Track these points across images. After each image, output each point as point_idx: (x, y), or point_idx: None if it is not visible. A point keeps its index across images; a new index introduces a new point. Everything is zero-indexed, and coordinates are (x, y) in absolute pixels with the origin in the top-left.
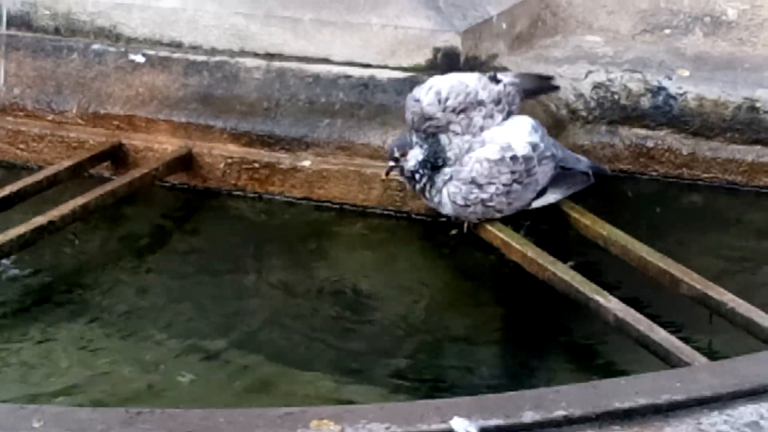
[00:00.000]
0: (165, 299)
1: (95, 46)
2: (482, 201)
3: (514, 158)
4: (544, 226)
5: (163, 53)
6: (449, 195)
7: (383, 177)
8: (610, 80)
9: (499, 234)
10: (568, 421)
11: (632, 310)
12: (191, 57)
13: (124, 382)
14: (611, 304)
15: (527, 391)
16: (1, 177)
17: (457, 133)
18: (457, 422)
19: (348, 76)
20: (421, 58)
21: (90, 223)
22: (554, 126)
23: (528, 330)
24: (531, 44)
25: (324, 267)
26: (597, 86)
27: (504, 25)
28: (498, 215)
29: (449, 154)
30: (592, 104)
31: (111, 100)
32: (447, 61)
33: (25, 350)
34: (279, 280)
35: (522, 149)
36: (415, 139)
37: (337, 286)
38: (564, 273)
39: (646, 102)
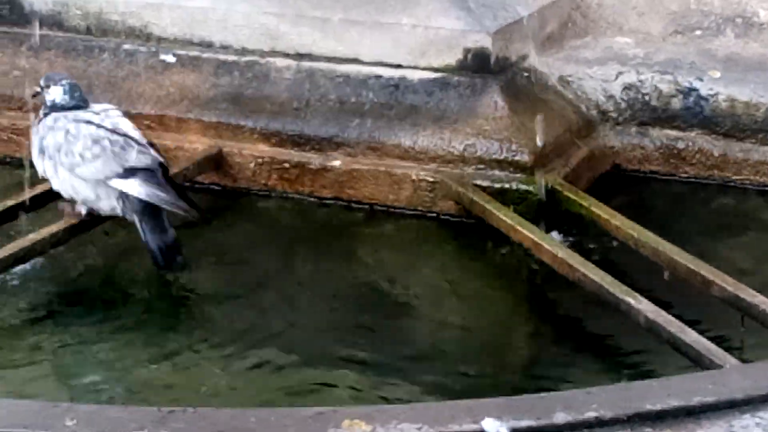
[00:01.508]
0: (194, 298)
1: (126, 46)
2: (67, 131)
3: (117, 133)
4: (574, 230)
5: (193, 53)
6: (42, 147)
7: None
8: (640, 81)
9: (529, 235)
10: (600, 422)
11: (663, 312)
12: (222, 57)
13: (157, 381)
14: (642, 305)
15: (558, 392)
16: (32, 174)
17: None
18: (488, 423)
19: (378, 77)
20: (452, 58)
21: (119, 221)
22: (584, 127)
23: (558, 331)
24: (561, 45)
25: (354, 267)
26: (627, 87)
27: (534, 26)
28: (77, 163)
29: (80, 112)
30: (623, 105)
31: (142, 99)
32: (477, 62)
33: (59, 349)
34: (308, 279)
35: (128, 133)
36: (65, 81)
37: (367, 286)
38: (594, 274)
39: (676, 103)
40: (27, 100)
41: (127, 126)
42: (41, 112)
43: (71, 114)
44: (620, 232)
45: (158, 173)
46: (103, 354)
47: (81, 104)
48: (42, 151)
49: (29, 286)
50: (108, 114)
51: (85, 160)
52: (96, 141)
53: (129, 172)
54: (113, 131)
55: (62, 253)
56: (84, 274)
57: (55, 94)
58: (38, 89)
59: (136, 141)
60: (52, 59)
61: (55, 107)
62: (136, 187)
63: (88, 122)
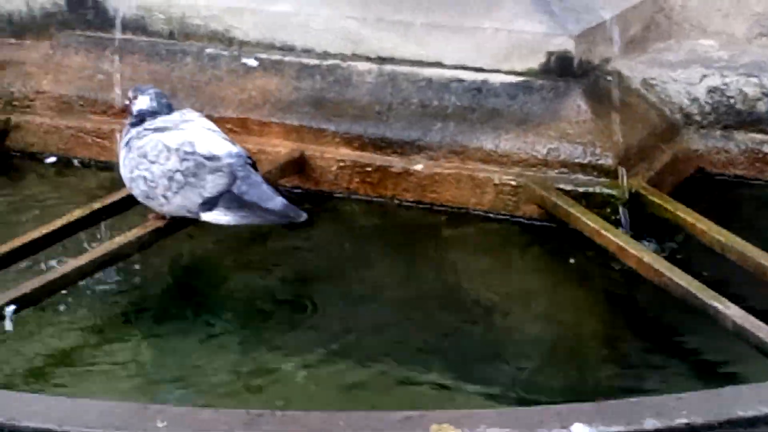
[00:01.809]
0: (276, 301)
1: (209, 50)
2: (145, 178)
3: (187, 153)
4: (658, 234)
5: (275, 57)
6: (122, 163)
7: None
8: (725, 84)
9: (614, 239)
10: (690, 429)
11: (751, 317)
12: (303, 60)
13: (243, 383)
14: (730, 310)
15: (648, 397)
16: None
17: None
18: (578, 428)
19: (460, 80)
20: (534, 62)
21: (202, 224)
22: (668, 130)
23: (645, 336)
24: (644, 48)
25: (437, 271)
26: (712, 90)
27: (617, 29)
28: (164, 203)
29: (160, 120)
30: (707, 109)
31: (224, 103)
32: (560, 65)
33: (144, 349)
34: (390, 282)
35: (198, 155)
36: (151, 90)
37: (451, 290)
38: (681, 279)
39: (762, 106)
40: (111, 103)
41: (202, 135)
42: (128, 121)
43: (151, 129)
44: (706, 236)
45: (245, 180)
46: (189, 356)
47: (165, 111)
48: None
49: (114, 289)
50: (185, 118)
51: (167, 199)
52: (171, 178)
53: (210, 202)
54: (184, 156)
55: (148, 255)
56: (169, 278)
57: (142, 103)
58: (128, 102)
59: (206, 157)
60: (136, 63)
61: (141, 114)
62: (222, 218)
63: (167, 148)
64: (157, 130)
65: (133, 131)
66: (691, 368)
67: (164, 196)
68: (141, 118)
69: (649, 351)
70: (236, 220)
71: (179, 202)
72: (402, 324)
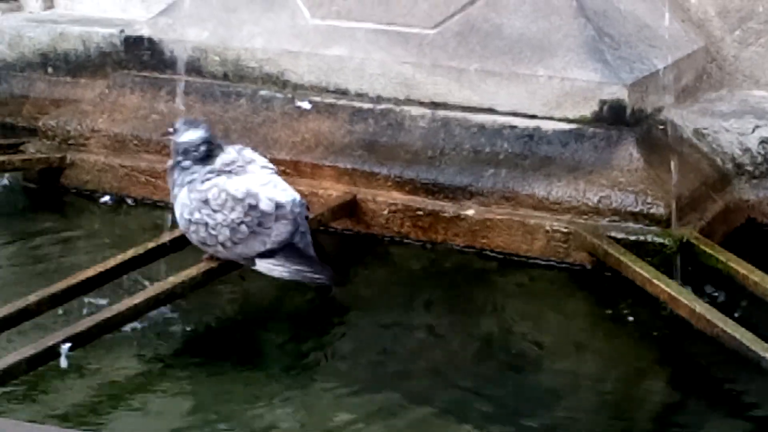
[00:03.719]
0: (327, 345)
1: (263, 92)
2: (206, 224)
3: (252, 206)
4: (709, 285)
5: (329, 100)
6: (181, 204)
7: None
8: None
9: (666, 288)
10: None
11: None
12: (357, 104)
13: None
14: None
15: None
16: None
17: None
18: None
19: (513, 127)
20: (587, 110)
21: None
22: (719, 180)
23: (694, 387)
24: (696, 97)
25: (487, 317)
26: (764, 141)
27: (670, 79)
28: (221, 250)
29: (218, 160)
30: (759, 159)
31: (277, 145)
32: (613, 114)
33: (194, 388)
34: (442, 328)
35: (265, 204)
36: (203, 124)
37: (500, 336)
38: (734, 330)
39: None
40: (165, 143)
41: (265, 181)
42: (173, 161)
43: (214, 173)
44: (759, 288)
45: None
46: (236, 399)
47: (214, 151)
48: (186, 222)
49: (167, 328)
50: (242, 157)
51: (226, 247)
52: (234, 229)
53: (270, 251)
54: (249, 207)
55: (200, 295)
56: (220, 318)
57: (189, 136)
58: (171, 129)
59: (272, 206)
60: (190, 104)
61: (187, 152)
62: (276, 268)
63: (232, 197)
64: (219, 173)
65: (197, 174)
66: (742, 420)
67: (223, 245)
68: (205, 151)
69: (699, 404)
70: (288, 273)
71: (239, 251)
72: (446, 368)
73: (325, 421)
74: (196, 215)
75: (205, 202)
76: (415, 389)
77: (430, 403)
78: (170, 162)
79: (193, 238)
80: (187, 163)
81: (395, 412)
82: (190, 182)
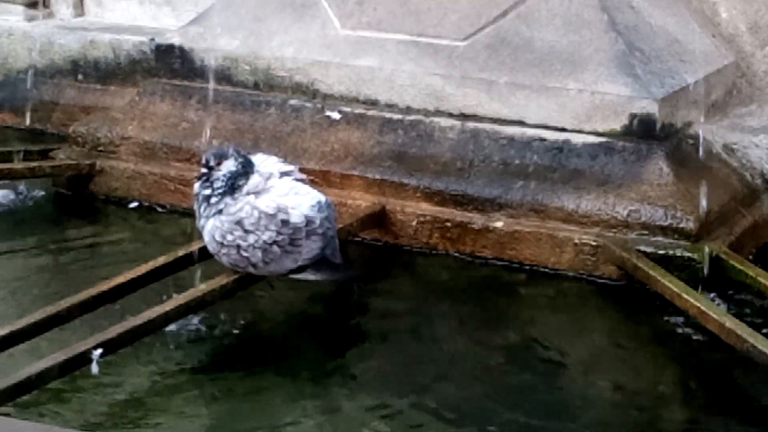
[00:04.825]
0: (355, 355)
1: (292, 102)
2: (239, 246)
3: (285, 222)
4: (738, 300)
5: (358, 110)
6: (212, 227)
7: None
8: None
9: (695, 303)
10: None
11: None
12: (387, 115)
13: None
14: None
15: None
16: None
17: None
18: None
19: (542, 139)
20: (617, 123)
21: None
22: (749, 195)
23: (722, 402)
24: (726, 112)
25: (514, 329)
26: None
27: (700, 93)
28: (252, 270)
29: (245, 186)
30: None
31: (306, 154)
32: (642, 128)
33: (223, 397)
34: (469, 339)
35: (296, 218)
36: (231, 151)
37: (528, 348)
38: (764, 345)
39: None
40: (195, 151)
41: (293, 192)
42: (201, 190)
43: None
44: None
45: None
46: (267, 408)
47: (248, 169)
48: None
49: (197, 336)
50: (262, 175)
51: (258, 268)
52: (266, 250)
53: (302, 267)
54: (281, 225)
55: (229, 302)
56: (250, 326)
57: (228, 167)
58: (205, 170)
59: (303, 222)
60: (220, 112)
61: (232, 179)
62: (310, 277)
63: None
64: (248, 193)
65: (222, 205)
66: None
67: (254, 266)
68: (232, 182)
69: (727, 420)
70: (315, 278)
71: (272, 269)
72: (474, 380)
73: (351, 427)
74: (229, 237)
75: (239, 223)
76: (442, 401)
77: (458, 414)
78: (197, 185)
79: (224, 260)
80: (215, 199)
81: (423, 423)
82: (217, 213)
